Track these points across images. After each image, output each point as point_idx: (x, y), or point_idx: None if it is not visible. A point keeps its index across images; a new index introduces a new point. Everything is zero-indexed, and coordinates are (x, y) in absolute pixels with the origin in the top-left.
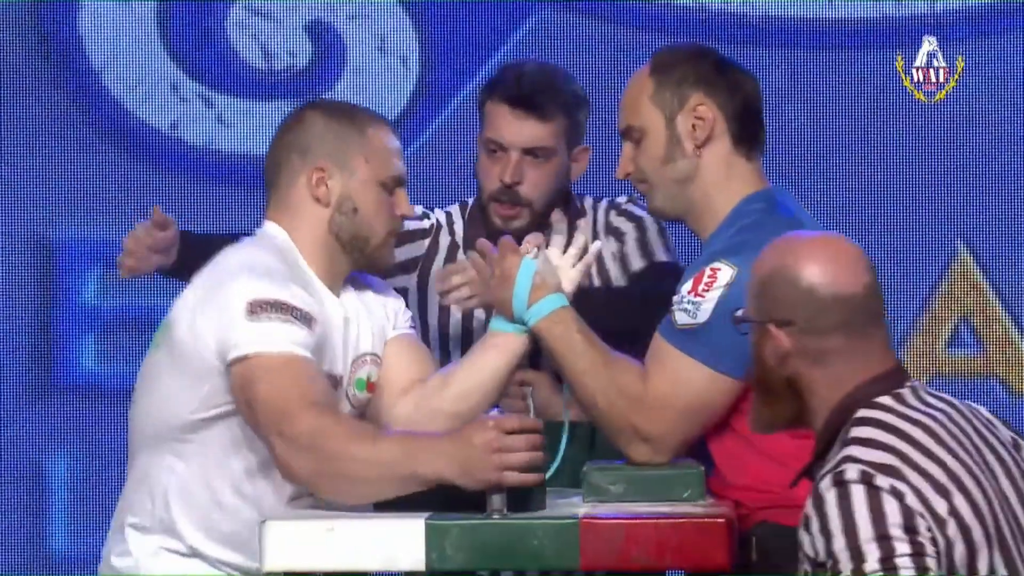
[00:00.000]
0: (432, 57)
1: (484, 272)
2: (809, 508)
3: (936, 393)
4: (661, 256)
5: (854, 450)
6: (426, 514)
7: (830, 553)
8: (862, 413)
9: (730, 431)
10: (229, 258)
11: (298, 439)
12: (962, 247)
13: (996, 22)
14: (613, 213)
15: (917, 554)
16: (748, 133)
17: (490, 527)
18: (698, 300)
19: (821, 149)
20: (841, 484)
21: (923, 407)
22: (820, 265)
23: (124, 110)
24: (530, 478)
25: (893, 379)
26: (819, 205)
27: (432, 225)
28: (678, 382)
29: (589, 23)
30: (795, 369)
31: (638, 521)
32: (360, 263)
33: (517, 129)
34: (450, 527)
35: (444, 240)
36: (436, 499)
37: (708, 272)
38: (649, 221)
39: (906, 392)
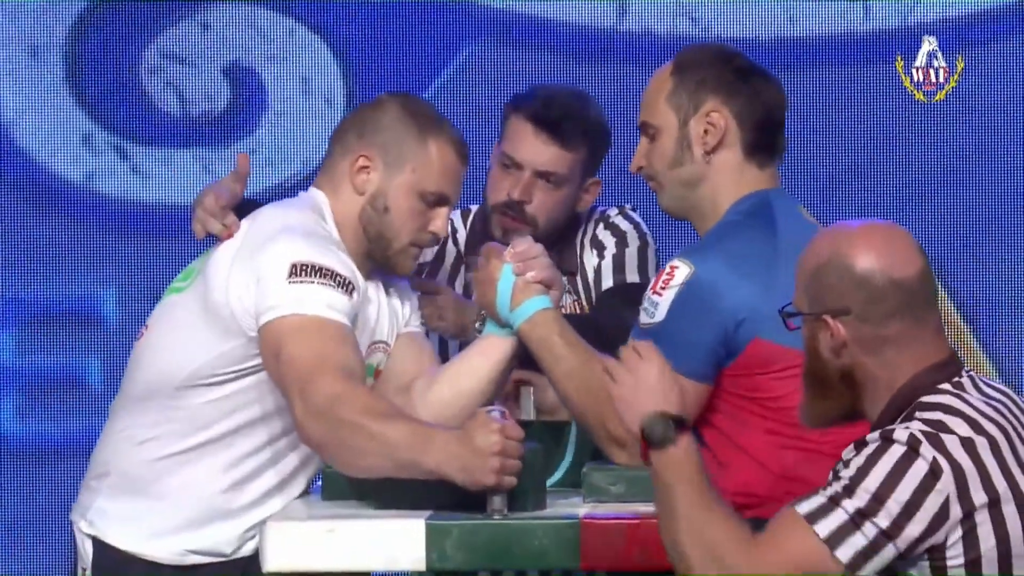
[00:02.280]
0: (358, 97)
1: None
2: (849, 448)
3: (990, 383)
4: (633, 276)
5: (915, 423)
6: (426, 514)
7: (837, 477)
8: (927, 399)
9: (713, 429)
10: (270, 217)
11: (316, 403)
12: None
13: (992, 27)
14: (601, 226)
15: (887, 536)
16: (763, 142)
17: (490, 527)
18: (655, 299)
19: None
20: (887, 440)
21: (985, 397)
22: (874, 251)
23: (36, 164)
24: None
25: (952, 367)
26: None
27: None
28: None
29: (523, 56)
30: (851, 359)
31: (639, 521)
32: (379, 263)
33: (536, 151)
34: (450, 527)
35: (451, 250)
36: (437, 498)
37: (667, 270)
38: (633, 236)
39: (966, 381)
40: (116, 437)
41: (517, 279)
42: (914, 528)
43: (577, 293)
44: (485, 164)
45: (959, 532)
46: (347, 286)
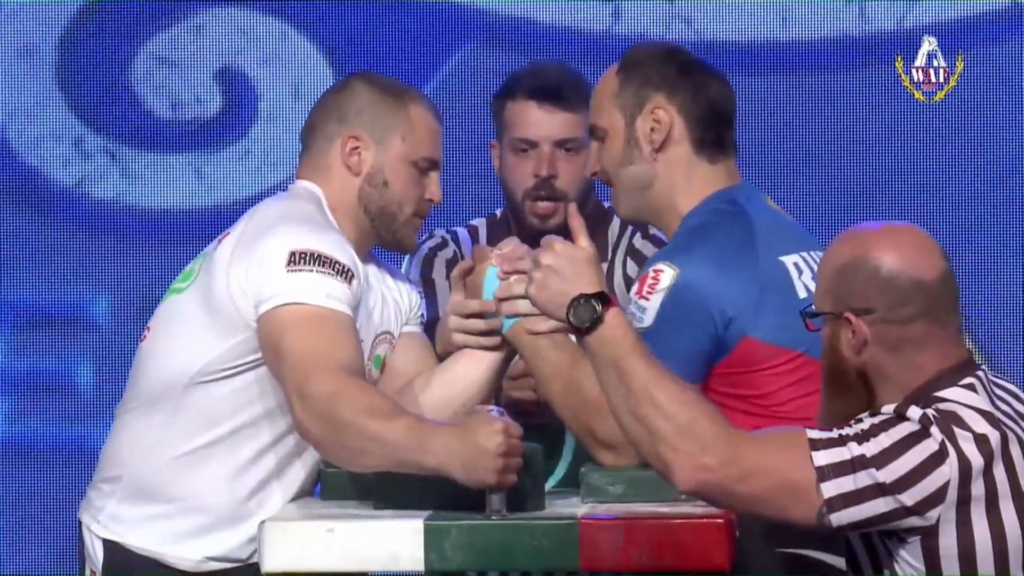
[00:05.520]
0: None
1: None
2: (864, 413)
3: (999, 381)
4: None
5: (929, 409)
6: (425, 514)
7: (850, 427)
8: (941, 394)
9: None
10: (268, 209)
11: (316, 401)
12: None
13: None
14: (639, 236)
15: (881, 490)
16: (711, 136)
17: (489, 527)
18: (642, 303)
19: (799, 169)
20: (900, 417)
21: (996, 397)
22: (898, 252)
23: (27, 167)
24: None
25: (968, 369)
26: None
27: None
28: None
29: (515, 60)
30: (871, 358)
31: (637, 521)
32: (384, 240)
33: (547, 123)
34: (449, 527)
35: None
36: (436, 498)
37: (651, 274)
38: None
39: (978, 381)
40: (125, 439)
41: (502, 283)
42: (907, 497)
43: None
44: (478, 168)
45: (952, 519)
46: (346, 274)
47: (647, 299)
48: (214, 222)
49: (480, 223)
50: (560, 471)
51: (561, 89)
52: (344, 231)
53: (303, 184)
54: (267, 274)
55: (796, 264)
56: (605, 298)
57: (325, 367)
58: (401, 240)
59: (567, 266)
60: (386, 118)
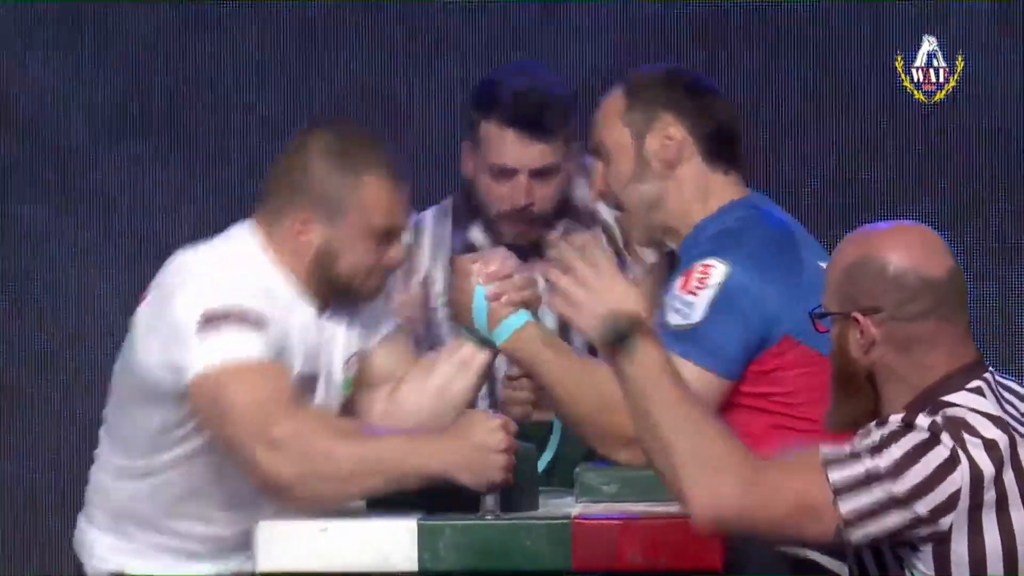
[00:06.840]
0: None
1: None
2: (871, 424)
3: (1006, 382)
4: None
5: (938, 416)
6: (419, 514)
7: (861, 440)
8: (948, 398)
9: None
10: (177, 266)
11: (284, 443)
12: None
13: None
14: None
15: (896, 502)
16: (722, 152)
17: (483, 527)
18: (690, 299)
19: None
20: (909, 426)
21: (1003, 400)
22: (906, 250)
23: None
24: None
25: (979, 370)
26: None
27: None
28: None
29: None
30: (879, 357)
31: (631, 521)
32: (341, 298)
33: (525, 153)
34: (443, 527)
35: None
36: (429, 498)
37: (700, 268)
38: None
39: (985, 384)
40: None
41: (492, 305)
42: (921, 506)
43: None
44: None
45: (964, 525)
46: (259, 321)
47: (695, 294)
48: None
49: (430, 213)
50: (547, 456)
51: (540, 117)
52: (294, 278)
53: (246, 231)
54: (184, 342)
55: None
56: (636, 315)
57: (279, 409)
58: (358, 298)
59: (595, 281)
60: (339, 192)
